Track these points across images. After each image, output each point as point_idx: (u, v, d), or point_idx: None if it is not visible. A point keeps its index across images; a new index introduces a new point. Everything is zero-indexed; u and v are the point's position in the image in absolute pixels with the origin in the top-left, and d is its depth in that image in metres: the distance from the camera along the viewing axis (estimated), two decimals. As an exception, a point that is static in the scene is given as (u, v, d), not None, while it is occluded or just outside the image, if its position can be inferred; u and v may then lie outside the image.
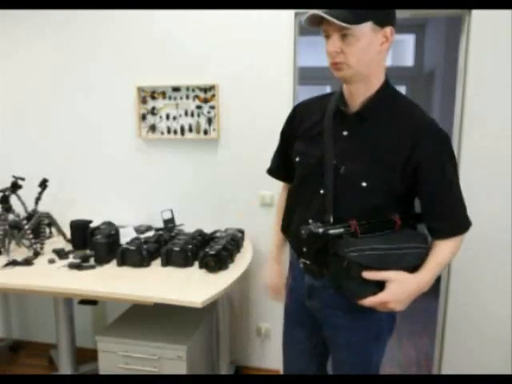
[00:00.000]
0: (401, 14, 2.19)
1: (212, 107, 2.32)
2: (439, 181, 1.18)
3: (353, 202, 1.21)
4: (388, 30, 1.12)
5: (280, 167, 1.47)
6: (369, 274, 1.14)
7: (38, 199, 2.26)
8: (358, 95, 1.20)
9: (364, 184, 1.18)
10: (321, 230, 1.18)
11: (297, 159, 1.33)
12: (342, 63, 1.12)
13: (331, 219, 1.22)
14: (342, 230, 1.18)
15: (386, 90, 1.21)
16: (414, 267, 1.18)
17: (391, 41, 1.14)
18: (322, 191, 1.24)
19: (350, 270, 1.15)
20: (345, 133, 1.22)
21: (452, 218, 1.22)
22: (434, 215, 1.22)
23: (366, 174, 1.18)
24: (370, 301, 1.15)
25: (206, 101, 2.33)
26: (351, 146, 1.21)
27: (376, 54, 1.14)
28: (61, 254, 2.07)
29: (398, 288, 1.15)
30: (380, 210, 1.20)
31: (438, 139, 1.17)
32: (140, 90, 2.38)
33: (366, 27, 1.08)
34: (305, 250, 1.31)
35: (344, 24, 1.05)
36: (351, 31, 1.07)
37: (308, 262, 1.32)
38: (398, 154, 1.16)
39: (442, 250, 1.21)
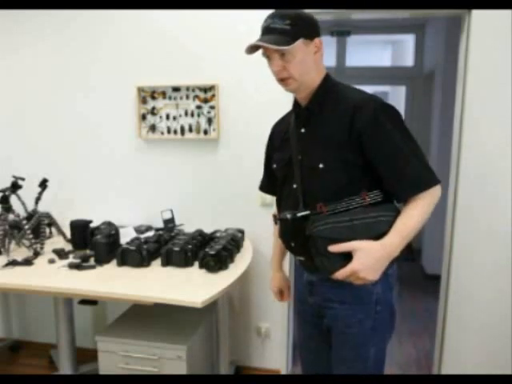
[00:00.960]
0: (401, 13, 2.21)
1: (212, 107, 2.32)
2: (383, 145, 1.23)
3: (317, 186, 1.30)
4: (317, 40, 1.28)
5: (268, 182, 1.61)
6: (333, 247, 1.20)
7: (37, 199, 2.26)
8: (304, 96, 1.35)
9: (321, 165, 1.27)
10: (289, 216, 1.29)
11: (274, 166, 1.47)
12: (287, 78, 1.27)
13: (301, 206, 1.31)
14: (308, 211, 1.27)
15: (326, 84, 1.33)
16: (386, 233, 1.22)
17: (321, 48, 1.31)
18: (294, 186, 1.36)
19: (317, 245, 1.22)
20: (302, 130, 1.36)
21: (406, 177, 1.23)
22: (389, 181, 1.25)
23: (321, 157, 1.28)
24: (340, 273, 1.19)
25: (205, 101, 2.33)
26: (308, 139, 1.34)
27: (312, 62, 1.29)
28: (61, 254, 2.07)
29: (364, 255, 1.17)
30: (345, 189, 1.26)
31: (373, 107, 1.23)
32: (140, 89, 2.39)
33: (299, 43, 1.23)
34: (293, 244, 1.38)
35: (280, 47, 1.21)
36: (287, 50, 1.23)
37: (303, 259, 1.39)
38: (341, 130, 1.25)
39: (408, 212, 1.23)
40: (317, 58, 1.30)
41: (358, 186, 1.26)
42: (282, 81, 1.29)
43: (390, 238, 1.20)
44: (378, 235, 1.21)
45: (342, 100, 1.30)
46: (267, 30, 1.25)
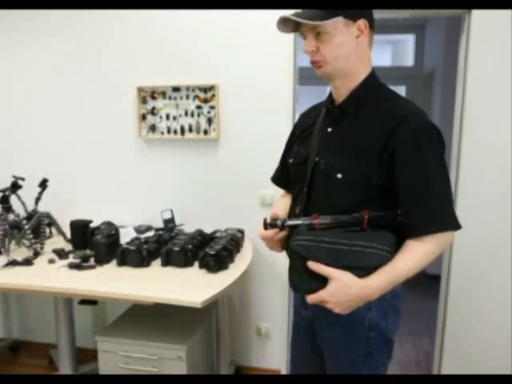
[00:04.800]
0: (401, 13, 2.21)
1: (212, 107, 2.32)
2: (414, 170, 1.09)
3: (327, 196, 1.18)
4: (361, 22, 1.12)
5: (281, 174, 1.46)
6: (314, 266, 1.07)
7: (37, 199, 2.26)
8: (342, 90, 1.19)
9: (339, 176, 1.14)
10: (279, 222, 1.19)
11: (290, 161, 1.34)
12: (319, 61, 1.14)
13: (300, 212, 1.21)
14: (300, 221, 1.16)
15: (369, 83, 1.18)
16: (372, 269, 1.08)
17: (368, 33, 1.15)
18: (305, 189, 1.24)
19: (292, 259, 1.14)
20: (329, 129, 1.22)
21: (424, 212, 1.08)
22: (406, 208, 1.11)
23: (342, 166, 1.14)
24: (310, 298, 1.10)
25: (205, 101, 2.33)
26: (333, 142, 1.20)
27: (353, 47, 1.13)
28: (61, 254, 2.07)
29: (338, 289, 1.06)
30: (356, 208, 1.12)
31: (417, 126, 1.09)
32: (140, 90, 2.38)
33: (338, 23, 1.09)
34: None
35: (312, 22, 1.07)
36: (324, 28, 1.09)
37: None
38: (374, 142, 1.11)
39: (407, 253, 1.09)
40: (359, 44, 1.13)
41: (370, 206, 1.12)
42: (314, 63, 1.15)
43: (375, 281, 1.06)
44: (362, 268, 1.07)
45: (384, 108, 1.14)
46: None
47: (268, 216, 1.28)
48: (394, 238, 1.11)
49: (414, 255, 1.08)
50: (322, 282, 1.08)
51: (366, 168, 1.11)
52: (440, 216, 1.09)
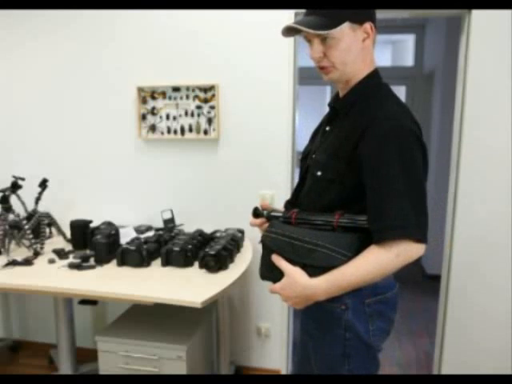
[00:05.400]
0: (401, 14, 2.21)
1: (212, 107, 2.32)
2: (375, 172, 1.06)
3: (310, 191, 1.22)
4: (368, 25, 1.12)
5: None
6: (275, 258, 1.15)
7: (37, 199, 2.26)
8: (344, 90, 1.21)
9: (319, 174, 1.17)
10: (265, 212, 1.27)
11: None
12: (327, 67, 1.14)
13: (288, 206, 1.27)
14: (281, 213, 1.23)
15: (367, 83, 1.17)
16: (327, 270, 1.07)
17: (373, 36, 1.15)
18: (297, 184, 1.30)
19: (263, 250, 1.20)
20: (327, 128, 1.24)
21: (382, 217, 1.04)
22: (368, 211, 1.08)
23: (322, 165, 1.17)
24: (269, 288, 1.17)
25: (206, 101, 2.33)
26: (326, 140, 1.22)
27: (359, 50, 1.13)
28: (61, 254, 2.07)
29: (288, 283, 1.11)
30: (334, 204, 1.14)
31: (385, 128, 1.06)
32: (140, 90, 2.38)
33: (345, 28, 1.08)
34: None
35: (320, 32, 1.07)
36: (330, 34, 1.08)
37: None
38: (348, 143, 1.11)
39: (363, 259, 1.05)
40: (366, 47, 1.13)
41: (350, 207, 1.12)
42: (322, 69, 1.15)
43: (318, 283, 1.07)
44: (318, 267, 1.08)
45: (366, 109, 1.12)
46: (309, 10, 1.11)
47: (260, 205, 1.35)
48: (356, 241, 1.09)
49: (368, 261, 1.05)
50: (282, 274, 1.14)
51: (340, 168, 1.13)
52: (399, 223, 1.03)
